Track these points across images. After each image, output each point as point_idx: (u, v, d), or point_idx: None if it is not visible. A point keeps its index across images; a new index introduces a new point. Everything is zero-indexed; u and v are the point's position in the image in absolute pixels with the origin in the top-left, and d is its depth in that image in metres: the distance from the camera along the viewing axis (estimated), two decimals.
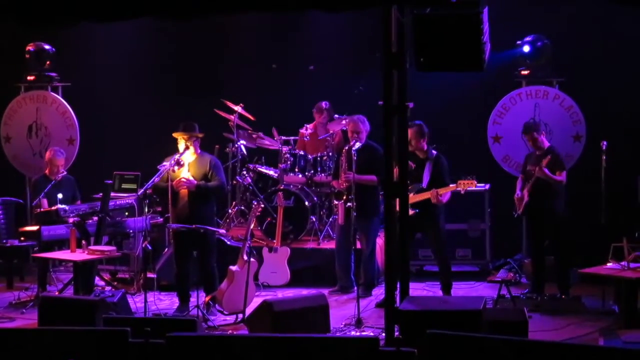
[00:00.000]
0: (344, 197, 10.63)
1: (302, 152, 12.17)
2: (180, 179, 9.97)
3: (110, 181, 11.40)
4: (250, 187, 12.38)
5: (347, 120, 11.58)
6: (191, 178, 10.01)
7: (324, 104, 12.47)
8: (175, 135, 10.14)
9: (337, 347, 5.47)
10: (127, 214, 11.34)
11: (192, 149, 10.11)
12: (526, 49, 11.69)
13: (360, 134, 10.69)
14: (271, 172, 12.47)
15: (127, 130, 13.31)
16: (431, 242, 10.71)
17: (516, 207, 10.55)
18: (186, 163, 10.08)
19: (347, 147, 10.68)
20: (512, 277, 11.49)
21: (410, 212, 10.16)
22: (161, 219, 11.56)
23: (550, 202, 10.30)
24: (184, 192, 10.05)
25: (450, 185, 10.24)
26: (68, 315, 8.35)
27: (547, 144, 10.48)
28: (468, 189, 10.24)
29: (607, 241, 9.68)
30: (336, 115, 12.35)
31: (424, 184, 10.29)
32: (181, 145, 10.09)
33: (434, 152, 10.49)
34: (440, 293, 10.54)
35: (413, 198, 10.07)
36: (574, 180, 10.62)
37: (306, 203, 11.81)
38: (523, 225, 11.86)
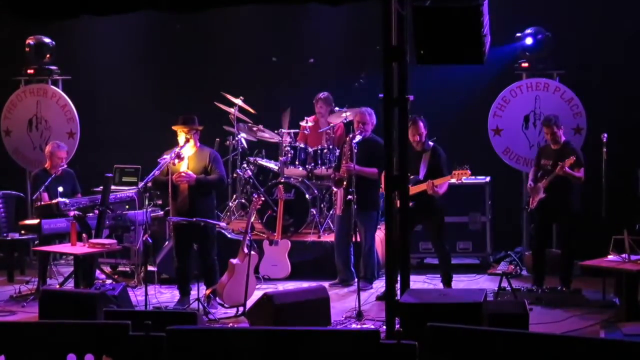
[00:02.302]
0: (344, 184, 10.62)
1: (302, 145, 12.16)
2: (180, 173, 9.96)
3: (110, 174, 11.40)
4: (251, 180, 12.38)
5: (352, 112, 11.56)
6: (190, 172, 9.99)
7: (321, 94, 12.43)
8: (174, 128, 10.13)
9: (337, 340, 5.46)
10: (127, 207, 11.35)
11: (192, 141, 10.10)
12: (529, 41, 11.65)
13: (366, 125, 10.69)
14: (272, 165, 12.47)
15: (127, 124, 13.32)
16: (430, 234, 10.70)
17: (530, 201, 10.54)
18: (186, 156, 10.07)
19: (348, 137, 10.67)
20: (512, 270, 11.50)
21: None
22: (161, 212, 11.57)
23: (568, 198, 10.29)
24: (183, 185, 10.04)
25: (445, 176, 10.22)
26: (69, 309, 8.36)
27: (563, 138, 10.48)
28: (463, 179, 10.20)
29: (607, 234, 9.67)
30: (337, 108, 12.34)
31: (421, 176, 10.27)
32: (181, 138, 10.08)
33: (431, 143, 10.47)
34: (440, 286, 10.54)
35: (410, 190, 10.05)
36: None
37: (307, 196, 11.81)
38: (523, 218, 11.87)
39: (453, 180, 10.24)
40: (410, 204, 9.84)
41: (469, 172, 10.16)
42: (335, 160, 11.60)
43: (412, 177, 10.06)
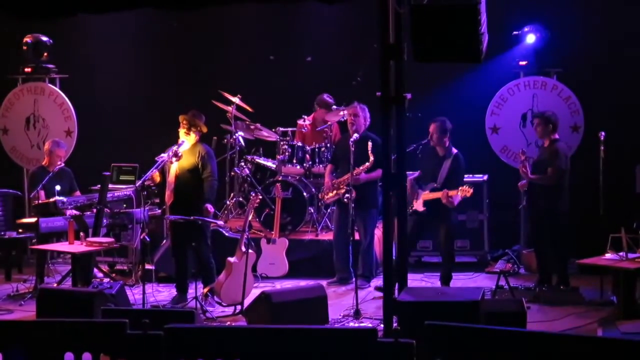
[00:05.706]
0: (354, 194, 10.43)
1: (300, 144, 12.15)
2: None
3: (108, 173, 11.41)
4: (249, 179, 12.36)
5: (345, 110, 11.56)
6: (208, 206, 9.99)
7: (316, 99, 12.42)
8: (180, 117, 10.11)
9: (335, 338, 5.47)
10: (125, 205, 11.35)
11: (193, 137, 10.09)
12: (531, 38, 11.58)
13: (357, 117, 10.68)
14: (269, 164, 12.46)
15: (125, 122, 13.32)
16: (440, 236, 10.58)
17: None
18: (183, 152, 10.09)
19: (351, 141, 10.50)
20: (510, 268, 11.48)
21: (421, 208, 10.20)
22: (159, 211, 11.57)
23: (553, 198, 10.24)
24: (170, 181, 10.07)
25: (451, 190, 10.10)
26: (66, 307, 8.37)
27: (554, 136, 10.44)
28: (463, 196, 10.13)
29: (605, 232, 9.67)
30: (334, 107, 12.33)
31: (439, 183, 10.26)
32: (181, 134, 10.08)
33: (454, 150, 10.42)
34: (438, 284, 10.53)
35: (426, 196, 10.18)
36: (572, 171, 10.60)
37: (304, 194, 11.80)
38: (521, 216, 11.86)
39: (458, 195, 10.16)
40: (423, 208, 10.00)
41: (471, 191, 10.11)
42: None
43: (429, 184, 10.07)
